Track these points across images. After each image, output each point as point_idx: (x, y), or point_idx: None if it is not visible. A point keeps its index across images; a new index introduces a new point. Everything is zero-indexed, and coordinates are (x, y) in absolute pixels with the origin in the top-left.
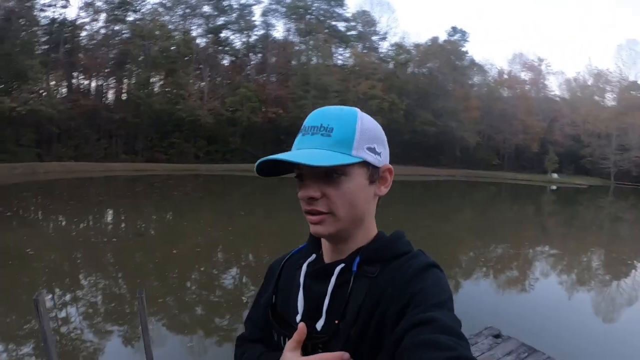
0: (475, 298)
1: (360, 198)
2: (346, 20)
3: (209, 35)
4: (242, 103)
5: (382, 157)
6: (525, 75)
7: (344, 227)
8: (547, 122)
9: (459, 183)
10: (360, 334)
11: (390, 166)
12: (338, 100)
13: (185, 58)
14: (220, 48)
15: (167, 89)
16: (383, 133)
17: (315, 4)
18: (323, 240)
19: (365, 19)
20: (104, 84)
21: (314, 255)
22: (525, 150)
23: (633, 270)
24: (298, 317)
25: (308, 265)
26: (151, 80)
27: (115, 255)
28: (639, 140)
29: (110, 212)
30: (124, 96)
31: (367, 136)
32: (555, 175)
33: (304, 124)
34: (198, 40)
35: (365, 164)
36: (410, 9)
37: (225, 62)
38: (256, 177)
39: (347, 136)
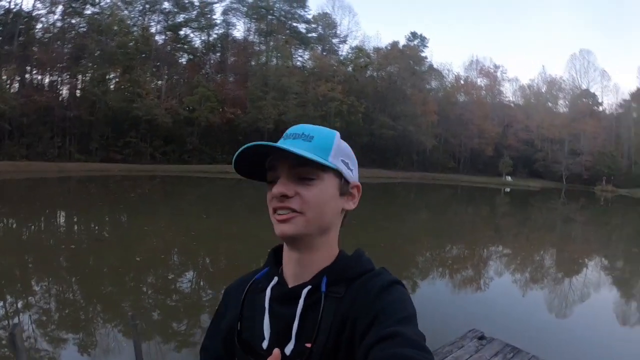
0: (451, 301)
1: (330, 206)
2: (307, 22)
3: (168, 33)
4: (201, 103)
5: (353, 174)
6: (481, 82)
7: (310, 232)
8: (502, 127)
9: (416, 185)
10: (330, 355)
11: (359, 184)
12: (297, 102)
13: (143, 55)
14: (179, 46)
15: (123, 87)
16: (354, 157)
17: (277, 5)
18: (285, 263)
19: (326, 21)
20: (59, 79)
21: (276, 279)
22: (480, 154)
23: (602, 268)
24: (265, 343)
25: (272, 289)
26: (107, 77)
27: (69, 261)
28: (590, 145)
29: (65, 215)
30: (78, 93)
31: (342, 151)
32: (509, 178)
33: (285, 133)
34: (157, 37)
35: (338, 174)
36: (372, 13)
37: (184, 60)
38: (214, 179)
39: (325, 144)
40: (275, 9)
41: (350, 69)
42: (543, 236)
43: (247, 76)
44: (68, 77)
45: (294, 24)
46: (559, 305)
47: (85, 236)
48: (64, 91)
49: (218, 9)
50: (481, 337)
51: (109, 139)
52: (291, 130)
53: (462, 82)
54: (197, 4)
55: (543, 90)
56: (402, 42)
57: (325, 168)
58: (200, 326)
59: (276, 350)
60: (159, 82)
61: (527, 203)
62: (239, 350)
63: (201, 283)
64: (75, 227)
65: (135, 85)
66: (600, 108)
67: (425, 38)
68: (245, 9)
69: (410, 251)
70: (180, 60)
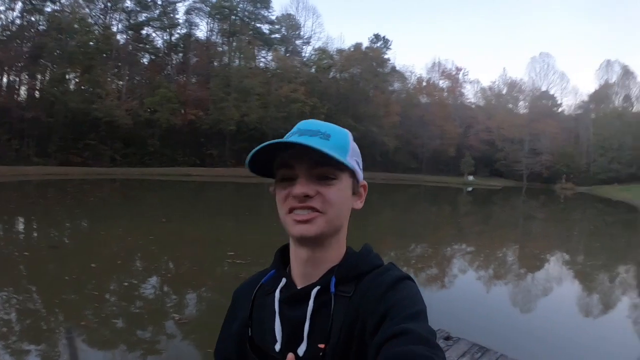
0: None
1: (346, 205)
2: (271, 22)
3: (130, 32)
4: (162, 104)
5: (361, 174)
6: (443, 83)
7: (328, 231)
8: (464, 128)
9: (380, 186)
10: (343, 355)
11: (366, 183)
12: (259, 103)
13: (104, 55)
14: (140, 46)
15: (83, 87)
16: None
17: (241, 5)
18: (293, 262)
19: (289, 22)
20: (17, 79)
21: (284, 280)
22: (442, 154)
23: (563, 263)
24: (277, 346)
25: (281, 291)
26: (67, 77)
27: (21, 269)
28: (549, 145)
29: (20, 221)
30: (37, 94)
31: (355, 151)
32: (471, 178)
33: (297, 127)
34: (118, 37)
35: (352, 174)
36: (335, 15)
37: (145, 60)
38: (175, 182)
39: (343, 144)
40: (238, 9)
41: (313, 70)
42: (505, 233)
43: (209, 77)
44: (27, 77)
45: (258, 25)
46: (523, 300)
47: (41, 243)
48: (22, 92)
49: (181, 8)
50: (447, 338)
51: (68, 142)
52: (304, 125)
53: (424, 83)
54: (159, 2)
55: (504, 92)
56: (366, 44)
57: (343, 168)
58: (164, 332)
59: (290, 355)
60: (120, 83)
61: (489, 201)
62: (252, 355)
63: (159, 289)
64: (31, 234)
65: (95, 85)
66: (560, 109)
67: (388, 40)
68: (208, 9)
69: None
70: (141, 61)
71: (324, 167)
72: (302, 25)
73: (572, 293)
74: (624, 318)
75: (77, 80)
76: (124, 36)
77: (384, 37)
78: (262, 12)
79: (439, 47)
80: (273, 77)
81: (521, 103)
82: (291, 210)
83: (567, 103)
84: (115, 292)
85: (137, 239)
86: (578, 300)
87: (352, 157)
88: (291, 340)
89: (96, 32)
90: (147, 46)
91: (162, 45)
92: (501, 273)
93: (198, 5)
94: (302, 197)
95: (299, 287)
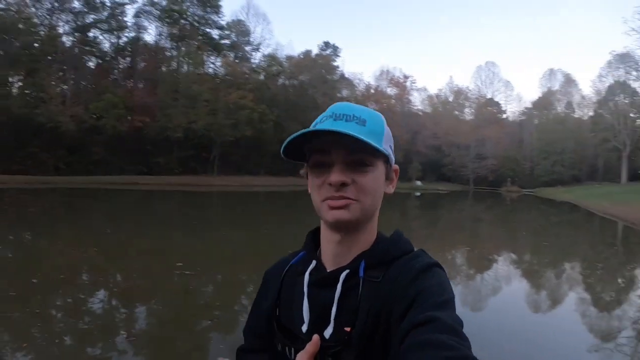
0: None
1: (379, 191)
2: (221, 28)
3: (76, 34)
4: (108, 110)
5: (393, 158)
6: (391, 91)
7: (363, 217)
8: (411, 134)
9: None
10: (369, 339)
11: (397, 167)
12: (207, 110)
13: (49, 57)
14: (87, 49)
15: (26, 91)
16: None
17: (191, 10)
18: (324, 245)
19: (239, 28)
20: None
21: (314, 262)
22: None
23: (511, 262)
24: (304, 327)
25: (310, 273)
26: (9, 80)
27: None
28: (495, 149)
29: None
30: None
31: (388, 135)
32: (419, 183)
33: (332, 111)
34: (64, 39)
35: (386, 159)
36: (285, 22)
37: (92, 64)
38: (122, 191)
39: (378, 129)
40: (188, 13)
41: (262, 77)
42: (453, 235)
43: (157, 82)
44: None
45: (207, 30)
46: (473, 300)
47: None
48: None
49: (130, 11)
50: None
51: (9, 149)
52: (338, 109)
53: (372, 91)
54: (108, 4)
55: (450, 99)
56: (315, 51)
57: (378, 154)
58: (114, 348)
59: (315, 337)
60: (64, 87)
61: (437, 205)
62: (279, 334)
63: (103, 303)
64: None
65: (39, 89)
66: (504, 115)
67: (337, 47)
68: (158, 12)
69: None
70: (87, 64)
71: (360, 154)
72: (252, 31)
73: (521, 290)
74: (572, 311)
75: (19, 83)
76: (70, 38)
77: (333, 44)
78: (212, 17)
79: (387, 55)
80: (222, 84)
81: (467, 110)
82: (326, 199)
83: (512, 110)
84: (54, 307)
85: (80, 251)
86: (527, 297)
87: (387, 143)
88: (318, 322)
89: (41, 33)
90: (94, 49)
91: (109, 49)
92: (452, 275)
93: (147, 8)
94: (338, 185)
95: (328, 270)
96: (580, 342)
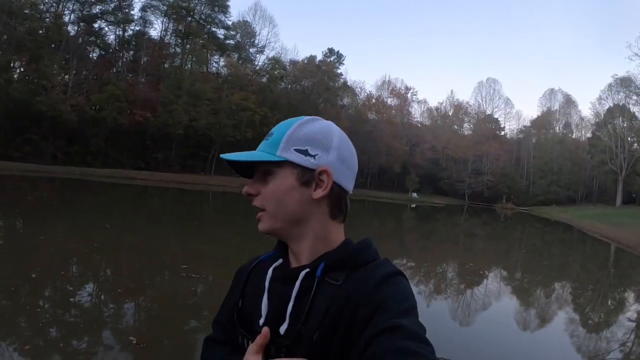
0: None
1: (290, 197)
2: (227, 28)
3: (82, 24)
4: (109, 102)
5: (316, 160)
6: (391, 102)
7: (279, 226)
8: (410, 146)
9: None
10: (324, 340)
11: (326, 168)
12: (210, 109)
13: (53, 45)
14: (91, 39)
15: (28, 77)
16: (333, 139)
17: (199, 7)
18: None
19: (245, 29)
20: None
21: (280, 260)
22: (388, 171)
23: (501, 279)
24: (261, 321)
25: (274, 270)
26: (12, 64)
27: None
28: (491, 165)
29: None
30: None
31: (299, 139)
32: (415, 195)
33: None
34: (69, 27)
35: (293, 165)
36: (292, 27)
37: (95, 55)
38: (119, 185)
39: (277, 138)
40: (196, 11)
41: (265, 79)
42: (447, 249)
43: (160, 78)
44: None
45: (213, 29)
46: (462, 314)
47: None
48: None
49: (137, 4)
50: None
51: (8, 135)
52: (274, 128)
53: (373, 100)
54: None
55: (450, 113)
56: (319, 57)
57: (278, 163)
58: (102, 344)
59: (265, 329)
60: (66, 77)
61: (432, 218)
62: (238, 327)
63: (104, 299)
64: None
65: (41, 76)
66: (503, 132)
67: (341, 55)
68: (165, 7)
69: None
70: (91, 55)
71: (263, 165)
72: (257, 33)
73: (510, 306)
74: (561, 331)
75: (22, 69)
76: (76, 27)
77: (337, 51)
78: (219, 16)
79: (390, 65)
80: (225, 84)
81: (466, 125)
82: None
83: (510, 127)
84: (54, 302)
85: (79, 245)
86: (516, 314)
87: (288, 148)
88: (276, 317)
89: (47, 20)
90: (98, 40)
91: (113, 41)
92: (441, 288)
93: (154, 3)
94: (247, 196)
95: (291, 268)
96: None
